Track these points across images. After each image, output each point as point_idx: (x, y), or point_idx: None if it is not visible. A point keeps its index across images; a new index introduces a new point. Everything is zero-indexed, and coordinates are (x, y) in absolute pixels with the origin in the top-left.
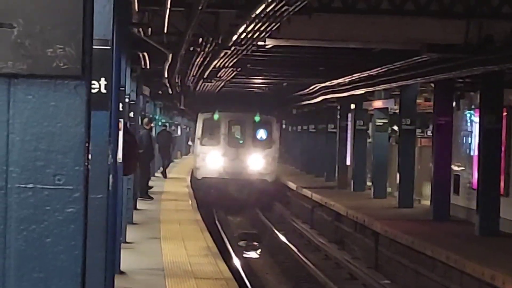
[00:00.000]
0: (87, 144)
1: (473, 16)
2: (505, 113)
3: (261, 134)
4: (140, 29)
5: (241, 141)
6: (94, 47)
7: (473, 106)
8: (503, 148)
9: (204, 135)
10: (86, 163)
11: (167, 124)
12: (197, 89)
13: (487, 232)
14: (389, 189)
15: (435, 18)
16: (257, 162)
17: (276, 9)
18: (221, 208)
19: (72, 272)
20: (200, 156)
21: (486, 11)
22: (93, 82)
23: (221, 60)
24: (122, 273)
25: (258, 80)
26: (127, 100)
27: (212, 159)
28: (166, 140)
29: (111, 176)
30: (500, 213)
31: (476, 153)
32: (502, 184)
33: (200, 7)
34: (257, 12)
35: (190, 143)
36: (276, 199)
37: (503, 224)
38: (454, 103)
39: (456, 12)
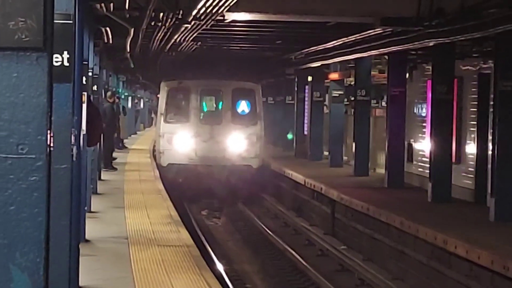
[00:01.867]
0: (49, 114)
1: None
2: (456, 84)
3: (243, 106)
4: (103, 5)
5: (217, 117)
6: (56, 21)
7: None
8: (454, 118)
9: (169, 109)
10: (49, 133)
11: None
12: (159, 60)
13: (439, 198)
14: (345, 158)
15: None
16: (238, 143)
17: None
18: (193, 203)
19: (36, 238)
20: (164, 137)
21: None
22: (56, 55)
23: (182, 35)
24: (87, 241)
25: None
26: (90, 73)
27: (180, 141)
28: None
29: (75, 147)
30: (451, 180)
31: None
32: (453, 152)
33: None
34: None
35: (153, 115)
36: (266, 190)
37: (454, 190)
38: (407, 75)
39: None
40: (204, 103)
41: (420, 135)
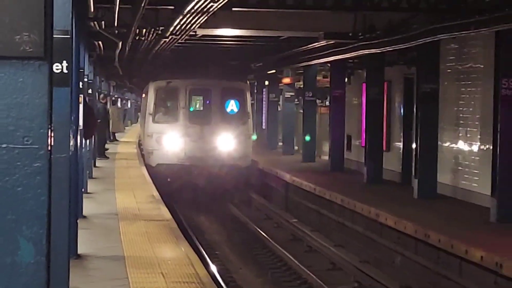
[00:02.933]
0: (50, 112)
1: (359, 10)
2: (385, 86)
3: (232, 106)
4: (96, 23)
5: (206, 116)
6: (57, 36)
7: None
8: (385, 114)
9: (158, 109)
10: (49, 127)
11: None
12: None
13: (373, 180)
14: (296, 148)
15: (330, 12)
16: (227, 143)
17: (204, 6)
18: (182, 204)
19: (39, 214)
20: (153, 137)
21: (369, 5)
22: (56, 64)
23: (161, 47)
24: (84, 217)
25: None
26: (86, 79)
27: (169, 141)
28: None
29: (73, 140)
30: (382, 165)
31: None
32: (384, 142)
33: (142, 4)
34: (189, 8)
35: (139, 114)
36: (256, 190)
37: (385, 174)
38: (346, 79)
39: (346, 7)
40: (193, 103)
41: (357, 128)
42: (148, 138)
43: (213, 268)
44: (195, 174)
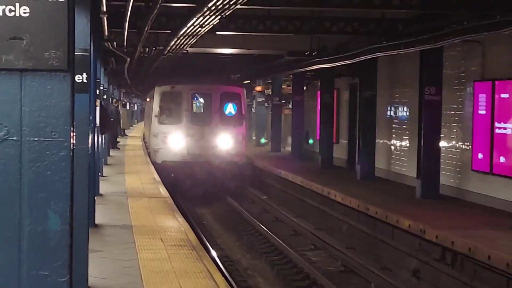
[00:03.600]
0: (72, 113)
1: (314, 33)
2: (335, 93)
3: (230, 108)
4: (109, 43)
5: (206, 118)
6: (78, 53)
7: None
8: (334, 115)
9: (163, 111)
10: (72, 124)
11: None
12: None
13: (326, 165)
14: (266, 141)
15: (292, 34)
16: (226, 142)
17: (194, 30)
18: (184, 198)
19: (64, 193)
20: (159, 137)
21: (322, 30)
22: (78, 75)
23: (160, 62)
24: (100, 195)
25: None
26: (101, 87)
27: (173, 140)
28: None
29: (91, 135)
30: (333, 154)
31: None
32: (334, 136)
33: (146, 29)
34: (182, 32)
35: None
36: (252, 184)
37: (335, 160)
38: (305, 87)
39: (304, 31)
40: (195, 106)
41: (313, 125)
42: (154, 137)
43: (201, 234)
44: (196, 169)
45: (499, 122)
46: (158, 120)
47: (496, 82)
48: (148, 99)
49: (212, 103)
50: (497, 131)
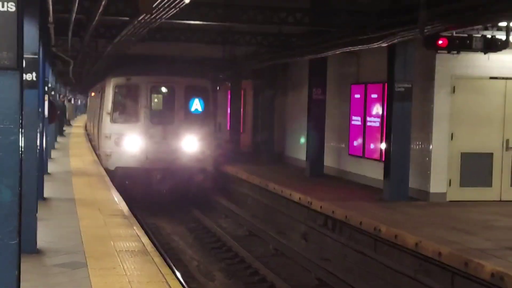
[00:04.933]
0: (21, 103)
1: (227, 43)
2: (242, 93)
3: (196, 105)
4: (55, 48)
5: (169, 116)
6: (28, 56)
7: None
8: (242, 110)
9: (116, 108)
10: (21, 113)
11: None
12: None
13: (235, 150)
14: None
15: (208, 44)
16: (191, 145)
17: (126, 39)
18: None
19: (14, 170)
20: (111, 138)
21: (232, 41)
22: (28, 74)
23: (97, 66)
24: (48, 174)
25: None
26: (49, 85)
27: (129, 143)
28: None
29: (40, 124)
30: (240, 140)
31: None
32: (241, 127)
33: (86, 37)
34: (116, 40)
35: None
36: (223, 193)
37: (242, 146)
38: (218, 87)
39: (218, 41)
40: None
41: (225, 118)
42: (106, 139)
43: (131, 206)
44: (157, 178)
45: (370, 117)
46: (111, 119)
47: (368, 85)
48: (93, 93)
49: (176, 98)
50: (360, 123)
